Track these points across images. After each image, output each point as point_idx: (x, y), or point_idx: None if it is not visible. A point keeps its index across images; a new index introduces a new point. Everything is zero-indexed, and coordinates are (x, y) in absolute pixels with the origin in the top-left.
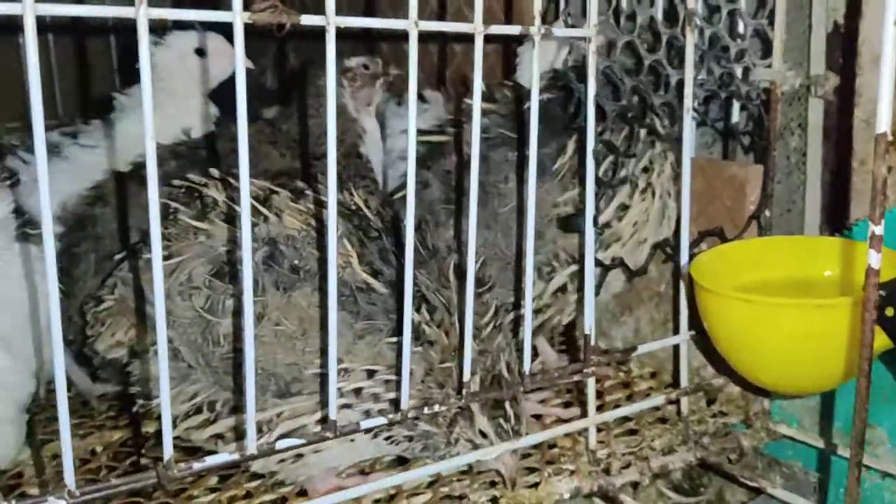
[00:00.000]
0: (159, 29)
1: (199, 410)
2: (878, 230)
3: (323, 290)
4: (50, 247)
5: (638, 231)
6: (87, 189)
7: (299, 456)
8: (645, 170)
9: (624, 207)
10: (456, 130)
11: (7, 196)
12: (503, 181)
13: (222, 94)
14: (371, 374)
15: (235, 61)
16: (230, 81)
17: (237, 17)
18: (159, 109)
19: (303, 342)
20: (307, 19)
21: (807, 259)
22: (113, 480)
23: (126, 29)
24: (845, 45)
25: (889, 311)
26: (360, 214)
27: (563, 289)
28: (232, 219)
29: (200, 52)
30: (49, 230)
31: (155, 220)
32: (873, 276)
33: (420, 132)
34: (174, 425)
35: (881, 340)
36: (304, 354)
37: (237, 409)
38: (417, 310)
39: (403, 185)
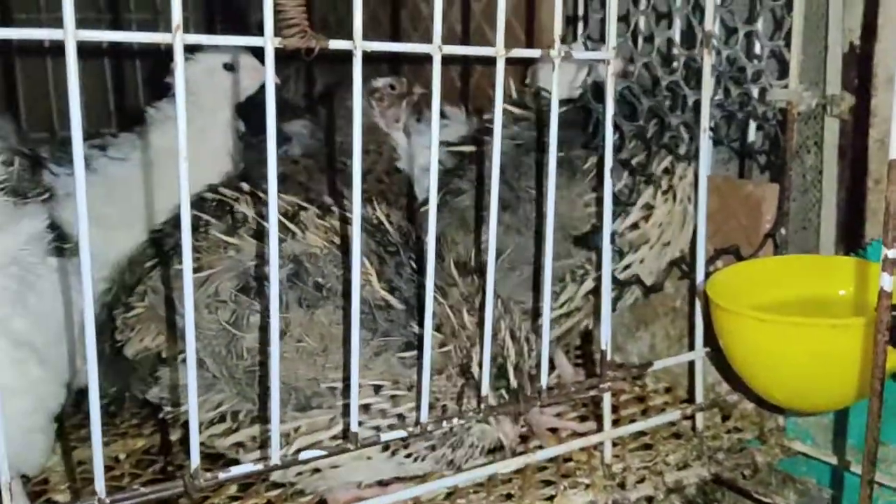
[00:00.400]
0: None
1: (222, 419)
2: (892, 254)
3: (344, 308)
4: (86, 264)
5: (664, 233)
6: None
7: (317, 470)
8: (666, 171)
9: (649, 207)
10: (483, 140)
11: (41, 212)
12: (535, 186)
13: (247, 109)
14: (377, 389)
15: (265, 79)
16: (255, 96)
17: (268, 42)
18: (189, 124)
19: (323, 358)
20: (335, 44)
21: (822, 278)
22: (141, 489)
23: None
24: (861, 66)
25: None
26: (382, 229)
27: (594, 292)
28: (260, 234)
29: (229, 66)
30: (86, 247)
31: (186, 248)
32: (885, 299)
33: (448, 144)
34: (199, 432)
35: (894, 360)
36: (324, 370)
37: (258, 419)
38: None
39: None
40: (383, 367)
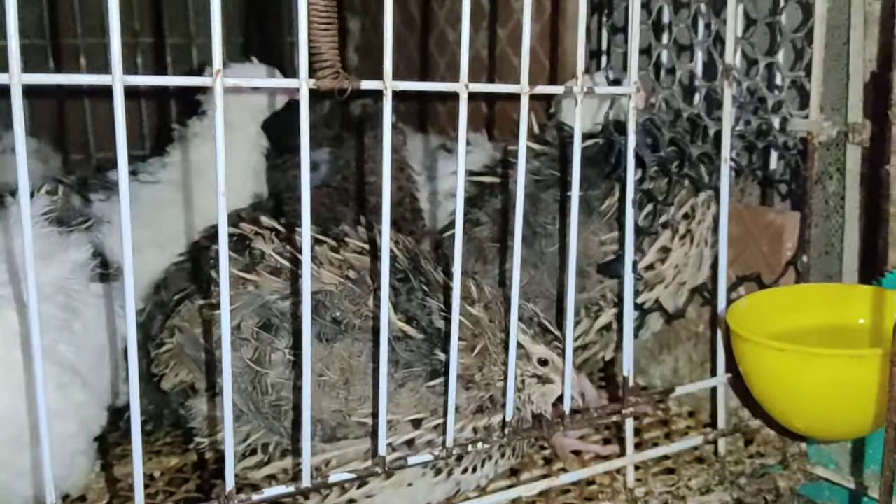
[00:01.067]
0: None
1: (253, 451)
2: None
3: (362, 341)
4: (130, 291)
5: (679, 273)
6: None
7: (351, 501)
8: (685, 216)
9: (665, 250)
10: (504, 171)
11: (85, 240)
12: (551, 222)
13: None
14: (417, 423)
15: (298, 97)
16: (277, 114)
17: (303, 84)
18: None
19: (345, 391)
20: (367, 84)
21: (841, 307)
22: None
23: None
24: (880, 95)
25: None
26: (393, 258)
27: (608, 327)
28: (278, 270)
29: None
30: (129, 273)
31: (224, 288)
32: None
33: (471, 173)
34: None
35: None
36: (347, 402)
37: (288, 451)
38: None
39: (452, 224)
40: (412, 398)
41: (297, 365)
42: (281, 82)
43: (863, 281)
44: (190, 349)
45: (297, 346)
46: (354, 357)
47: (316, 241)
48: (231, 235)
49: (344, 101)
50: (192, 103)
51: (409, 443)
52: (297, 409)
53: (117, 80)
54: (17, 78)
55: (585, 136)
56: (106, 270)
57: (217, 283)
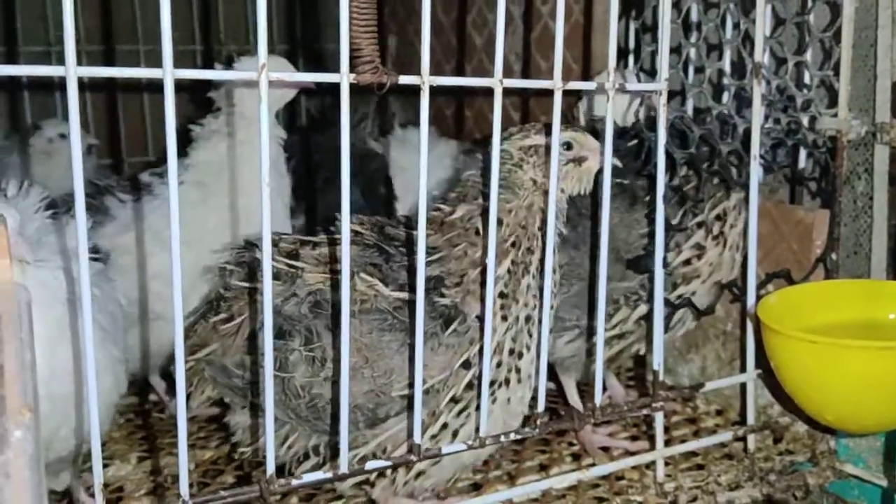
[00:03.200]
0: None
1: (307, 456)
2: None
3: (366, 321)
4: (178, 287)
5: (714, 273)
6: None
7: (420, 473)
8: (718, 217)
9: (700, 247)
10: None
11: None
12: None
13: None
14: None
15: (341, 118)
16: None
17: (344, 78)
18: (234, 135)
19: (369, 369)
20: (405, 79)
21: (872, 302)
22: (221, 492)
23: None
24: None
25: None
26: (360, 237)
27: (646, 317)
28: (277, 275)
29: None
30: (177, 269)
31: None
32: None
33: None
34: (288, 472)
35: None
36: (375, 380)
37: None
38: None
39: None
40: (438, 355)
41: (315, 360)
42: (322, 77)
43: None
44: (221, 377)
45: (309, 343)
46: (365, 335)
47: (300, 244)
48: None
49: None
50: (200, 102)
51: (455, 399)
52: (333, 401)
53: (168, 73)
54: (72, 70)
55: (619, 135)
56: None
57: (225, 299)
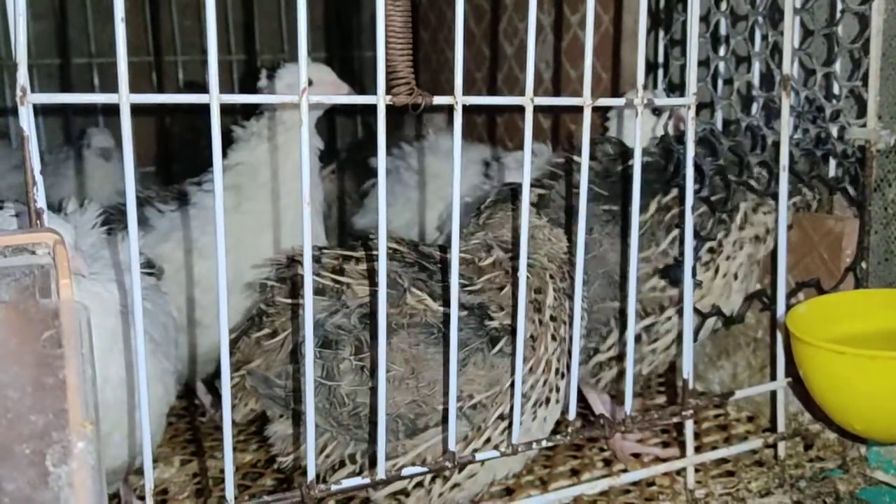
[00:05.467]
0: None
1: (342, 464)
2: None
3: (413, 334)
4: (223, 297)
5: (705, 296)
6: None
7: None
8: (711, 251)
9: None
10: (558, 180)
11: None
12: (588, 232)
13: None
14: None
15: (378, 138)
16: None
17: (381, 100)
18: (273, 139)
19: (414, 380)
20: (439, 99)
21: None
22: (265, 496)
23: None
24: None
25: None
26: (400, 254)
27: (637, 338)
28: (320, 290)
29: (309, 82)
30: (223, 276)
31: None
32: None
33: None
34: (322, 480)
35: None
36: (419, 391)
37: (374, 457)
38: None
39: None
40: (483, 372)
41: (364, 369)
42: (359, 99)
43: None
44: (263, 388)
45: (359, 352)
46: (413, 346)
47: (343, 259)
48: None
49: None
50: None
51: (502, 416)
52: (373, 409)
53: (214, 98)
54: (125, 97)
55: (660, 150)
56: (151, 270)
57: (268, 314)
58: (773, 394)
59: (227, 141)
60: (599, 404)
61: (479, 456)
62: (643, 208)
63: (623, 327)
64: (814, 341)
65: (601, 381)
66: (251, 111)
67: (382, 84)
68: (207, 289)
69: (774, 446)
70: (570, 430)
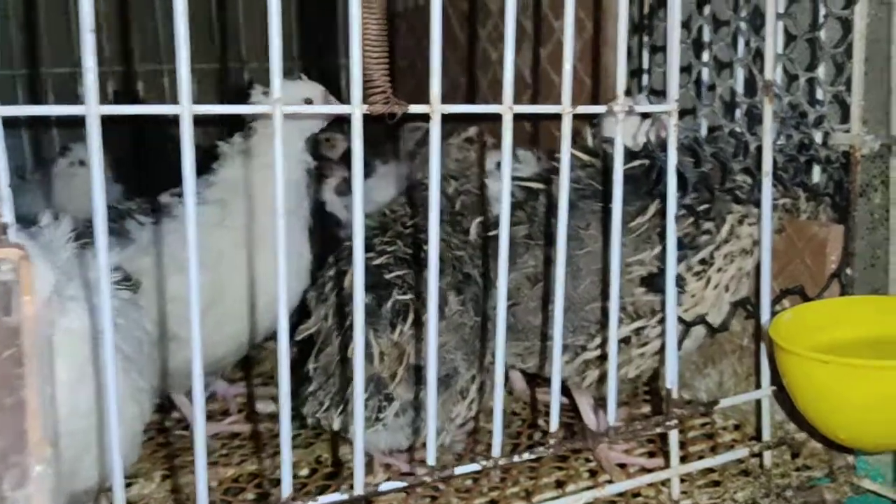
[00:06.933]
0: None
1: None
2: None
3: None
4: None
5: (697, 305)
6: None
7: None
8: (702, 262)
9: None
10: (549, 179)
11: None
12: (585, 227)
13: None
14: None
15: (354, 149)
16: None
17: (356, 109)
18: (263, 156)
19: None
20: (415, 108)
21: (886, 318)
22: None
23: None
24: None
25: None
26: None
27: (626, 340)
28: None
29: (308, 101)
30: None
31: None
32: None
33: (521, 179)
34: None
35: None
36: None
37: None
38: None
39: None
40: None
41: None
42: (334, 109)
43: None
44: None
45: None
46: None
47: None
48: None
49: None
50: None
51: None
52: None
53: (185, 108)
54: (94, 108)
55: (631, 156)
56: (128, 283)
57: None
58: (759, 402)
59: (214, 156)
60: (590, 413)
61: (458, 470)
62: (641, 210)
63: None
64: (797, 350)
65: (586, 380)
66: (239, 126)
67: (358, 93)
68: (186, 303)
69: (760, 455)
70: (552, 441)
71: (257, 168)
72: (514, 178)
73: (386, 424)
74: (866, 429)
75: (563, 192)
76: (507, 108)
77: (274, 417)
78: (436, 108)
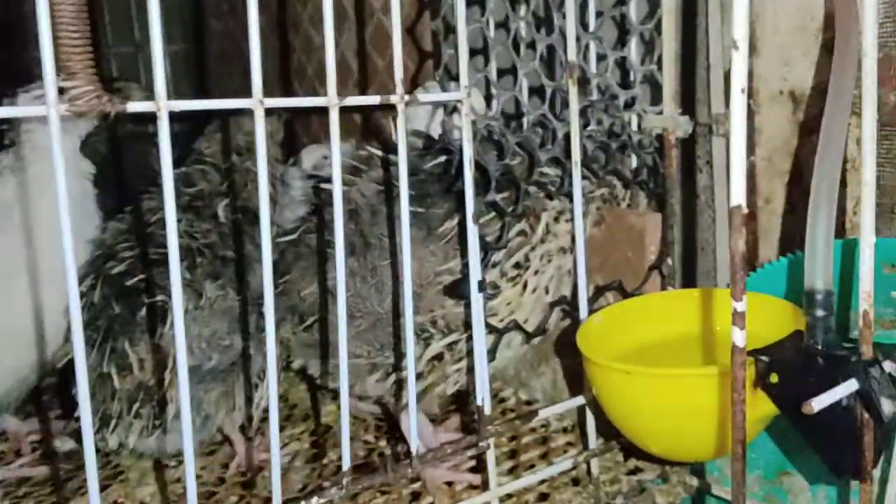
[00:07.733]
0: None
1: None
2: (740, 307)
3: None
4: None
5: (515, 311)
6: None
7: None
8: (517, 265)
9: (494, 287)
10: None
11: None
12: (389, 235)
13: None
14: None
15: (53, 154)
16: None
17: (51, 110)
18: (27, 169)
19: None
20: (135, 106)
21: (700, 313)
22: None
23: None
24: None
25: (773, 378)
26: None
27: (439, 357)
28: None
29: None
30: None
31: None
32: (739, 355)
33: (322, 179)
34: None
35: (768, 407)
36: None
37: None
38: None
39: (293, 230)
40: None
41: None
42: (27, 111)
43: None
44: None
45: None
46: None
47: None
48: None
49: None
50: None
51: None
52: None
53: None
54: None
55: (436, 151)
56: None
57: None
58: (582, 409)
59: None
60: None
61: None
62: (448, 214)
63: (426, 343)
64: (598, 360)
65: (402, 400)
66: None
67: (53, 89)
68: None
69: (588, 463)
70: (344, 481)
71: (23, 184)
72: (311, 177)
73: (166, 430)
74: (677, 440)
75: (336, 198)
76: (257, 102)
77: (71, 456)
78: (163, 104)
